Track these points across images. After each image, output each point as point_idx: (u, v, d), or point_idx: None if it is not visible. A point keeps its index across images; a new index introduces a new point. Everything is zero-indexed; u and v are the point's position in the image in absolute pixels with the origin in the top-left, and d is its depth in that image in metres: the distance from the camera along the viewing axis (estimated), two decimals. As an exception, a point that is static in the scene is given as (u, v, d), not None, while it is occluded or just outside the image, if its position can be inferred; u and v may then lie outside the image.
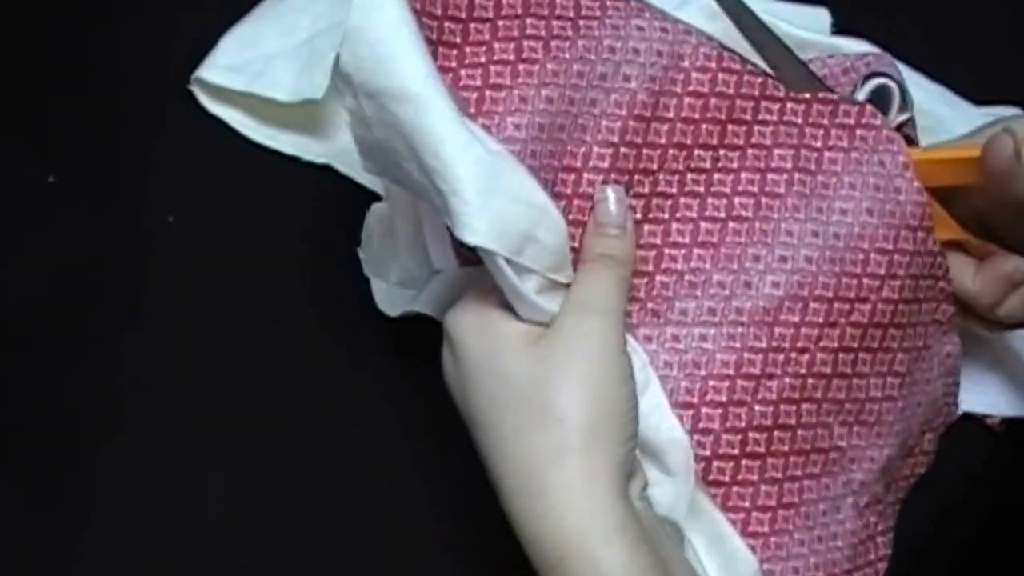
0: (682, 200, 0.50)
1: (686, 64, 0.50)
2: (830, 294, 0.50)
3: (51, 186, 0.64)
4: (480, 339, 0.47)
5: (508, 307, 0.47)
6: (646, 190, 0.50)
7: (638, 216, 0.50)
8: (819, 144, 0.52)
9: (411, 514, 0.58)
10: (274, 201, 0.64)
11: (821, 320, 0.50)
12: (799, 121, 0.52)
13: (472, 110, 0.47)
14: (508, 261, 0.45)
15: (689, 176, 0.50)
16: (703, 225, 0.50)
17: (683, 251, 0.50)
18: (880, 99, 0.54)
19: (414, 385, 0.60)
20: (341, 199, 0.63)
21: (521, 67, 0.48)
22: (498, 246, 0.45)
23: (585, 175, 0.49)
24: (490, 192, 0.44)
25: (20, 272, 0.62)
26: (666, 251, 0.50)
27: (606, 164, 0.49)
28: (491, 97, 0.47)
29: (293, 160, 0.64)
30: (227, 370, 0.60)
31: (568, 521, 0.43)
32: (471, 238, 0.44)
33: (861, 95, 0.54)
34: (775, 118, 0.51)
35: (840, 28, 0.65)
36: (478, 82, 0.47)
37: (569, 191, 0.48)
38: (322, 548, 0.58)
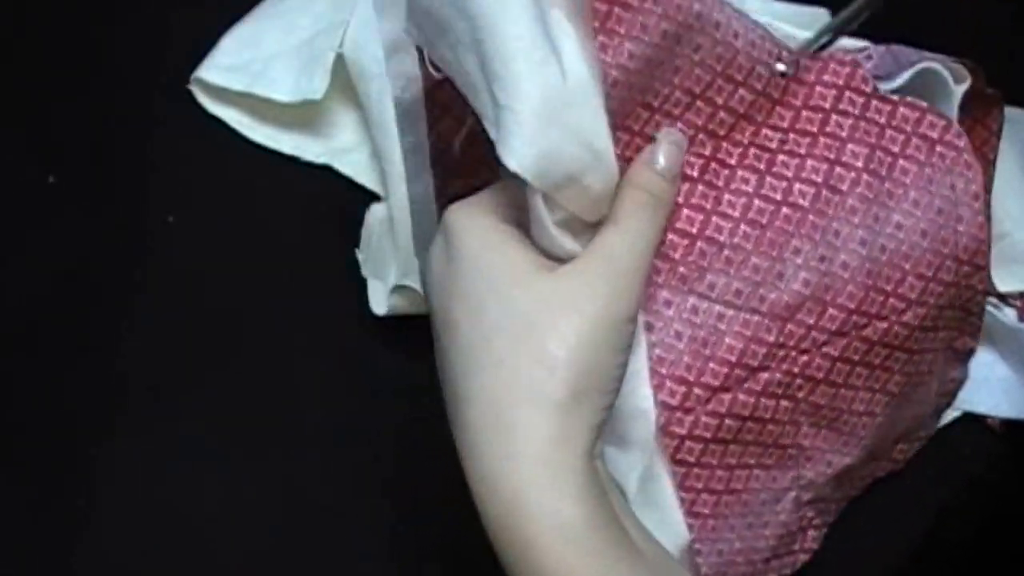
0: (740, 172, 0.48)
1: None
2: (852, 305, 0.49)
3: (51, 186, 0.64)
4: (484, 248, 0.43)
5: (521, 222, 0.44)
6: (707, 152, 0.48)
7: (694, 174, 0.48)
8: (896, 150, 0.49)
9: (411, 514, 0.58)
10: (274, 201, 0.64)
11: (834, 328, 0.49)
12: (882, 121, 0.49)
13: (598, 24, 0.42)
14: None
15: (752, 151, 0.48)
16: (756, 203, 0.48)
17: (731, 224, 0.48)
18: (925, 84, 0.52)
19: (415, 385, 0.60)
20: (341, 199, 0.63)
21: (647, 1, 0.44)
22: (538, 181, 0.41)
23: (656, 116, 0.46)
24: (551, 122, 0.41)
25: (20, 272, 0.62)
26: (714, 219, 0.48)
27: (678, 111, 0.47)
28: (618, 16, 0.43)
29: (293, 160, 0.64)
30: (227, 370, 0.61)
31: (533, 469, 0.41)
32: (513, 163, 0.41)
33: (901, 79, 0.52)
34: (857, 112, 0.49)
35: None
36: None
37: (637, 128, 0.46)
38: (322, 548, 0.58)
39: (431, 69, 0.45)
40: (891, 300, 0.49)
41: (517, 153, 0.40)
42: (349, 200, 0.63)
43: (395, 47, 0.47)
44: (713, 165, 0.48)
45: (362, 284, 0.60)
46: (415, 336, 0.59)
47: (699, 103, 0.47)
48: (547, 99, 0.41)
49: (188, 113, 0.64)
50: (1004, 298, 0.58)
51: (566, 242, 0.44)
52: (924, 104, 0.49)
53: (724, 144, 0.48)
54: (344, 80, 0.62)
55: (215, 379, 0.60)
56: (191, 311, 0.62)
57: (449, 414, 0.44)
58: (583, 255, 0.43)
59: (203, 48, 0.64)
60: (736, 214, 0.48)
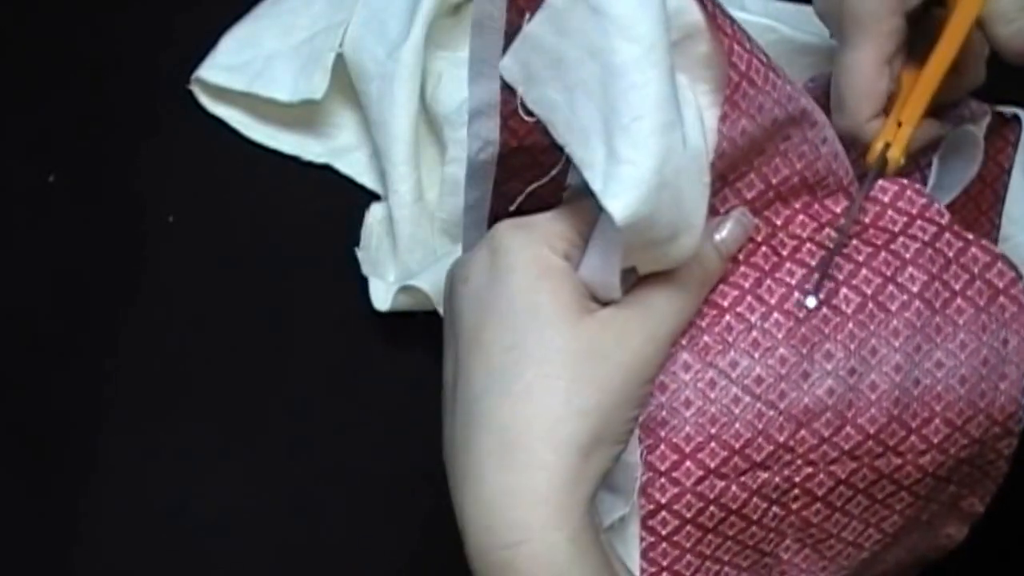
0: (788, 264, 0.47)
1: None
2: (872, 430, 0.46)
3: (51, 186, 0.64)
4: (533, 280, 0.42)
5: (568, 255, 0.43)
6: (761, 237, 0.47)
7: (740, 256, 0.47)
8: (958, 287, 0.47)
9: (411, 513, 0.58)
10: (274, 201, 0.64)
11: (847, 447, 0.47)
12: (950, 255, 0.47)
13: (728, 91, 0.42)
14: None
15: (807, 246, 0.47)
16: (796, 295, 0.46)
17: (764, 308, 0.46)
18: (955, 142, 0.52)
19: (415, 384, 0.60)
20: (341, 199, 0.63)
21: (771, 75, 0.44)
22: (632, 236, 0.40)
23: (726, 189, 0.46)
24: (664, 186, 0.40)
25: (20, 272, 0.62)
26: (748, 298, 0.46)
27: (750, 194, 0.46)
28: (744, 91, 0.43)
29: (293, 160, 0.64)
30: (227, 369, 0.61)
31: (537, 507, 0.41)
32: (621, 215, 0.39)
33: (935, 167, 0.51)
34: (927, 239, 0.47)
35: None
36: (743, 67, 0.43)
37: (714, 202, 0.45)
38: (322, 548, 0.58)
39: (521, 112, 0.43)
40: (912, 438, 0.47)
41: (629, 207, 0.39)
42: (349, 200, 0.63)
43: (480, 110, 0.45)
44: (764, 249, 0.47)
45: (361, 284, 0.60)
46: (415, 334, 0.59)
47: (770, 193, 0.46)
48: (667, 162, 0.40)
49: (188, 113, 0.64)
50: None
51: (618, 291, 0.43)
52: (998, 250, 0.48)
53: (780, 235, 0.47)
54: (344, 80, 0.62)
55: (215, 378, 0.60)
56: (191, 311, 0.62)
57: (450, 428, 0.44)
58: (624, 305, 0.43)
59: (203, 48, 0.64)
60: (773, 301, 0.46)
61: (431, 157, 0.62)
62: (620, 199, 0.39)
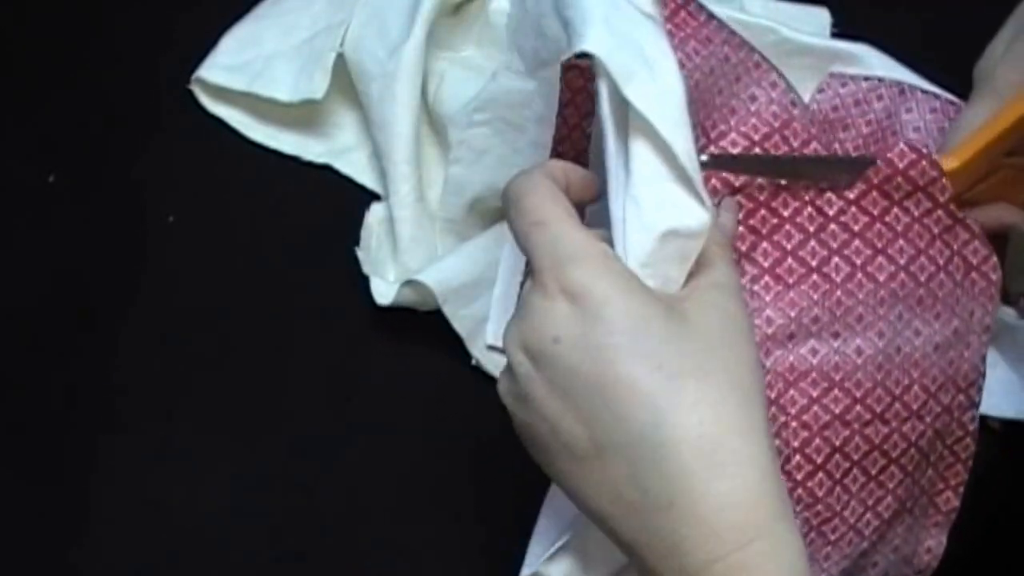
0: (787, 227, 0.48)
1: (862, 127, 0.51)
2: (858, 394, 0.48)
3: (51, 186, 0.64)
4: (625, 295, 0.41)
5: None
6: (762, 198, 0.48)
7: (739, 217, 0.48)
8: (941, 262, 0.49)
9: (412, 512, 0.58)
10: (274, 201, 0.64)
11: (837, 411, 0.48)
12: (936, 231, 0.49)
13: (667, 12, 0.46)
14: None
15: (808, 210, 0.48)
16: (789, 261, 0.48)
17: (756, 270, 0.48)
18: None
19: (414, 384, 0.60)
20: (341, 199, 0.63)
21: (713, 21, 0.48)
22: (610, 60, 0.41)
23: (710, 147, 0.47)
24: (608, 19, 0.42)
25: (20, 272, 0.62)
26: (742, 262, 0.48)
27: (736, 151, 0.48)
28: (688, 12, 0.47)
29: (293, 160, 0.64)
30: (226, 369, 0.61)
31: (766, 501, 0.40)
32: (587, 44, 0.41)
33: None
34: (918, 213, 0.49)
35: (840, 27, 0.65)
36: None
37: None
38: (322, 548, 0.58)
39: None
40: (896, 405, 0.49)
41: (588, 37, 0.41)
42: (349, 200, 0.63)
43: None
44: (762, 212, 0.48)
45: (362, 283, 0.60)
46: (416, 334, 0.59)
47: (757, 151, 0.48)
48: (604, 5, 0.42)
49: (188, 113, 0.64)
50: (1005, 297, 0.58)
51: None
52: (977, 228, 0.50)
53: (783, 194, 0.48)
54: (344, 80, 0.62)
55: (215, 378, 0.60)
56: (190, 311, 0.62)
57: (599, 483, 0.42)
58: (704, 286, 0.43)
59: (203, 48, 0.64)
60: (766, 264, 0.48)
61: (431, 157, 0.62)
62: (579, 35, 0.41)
